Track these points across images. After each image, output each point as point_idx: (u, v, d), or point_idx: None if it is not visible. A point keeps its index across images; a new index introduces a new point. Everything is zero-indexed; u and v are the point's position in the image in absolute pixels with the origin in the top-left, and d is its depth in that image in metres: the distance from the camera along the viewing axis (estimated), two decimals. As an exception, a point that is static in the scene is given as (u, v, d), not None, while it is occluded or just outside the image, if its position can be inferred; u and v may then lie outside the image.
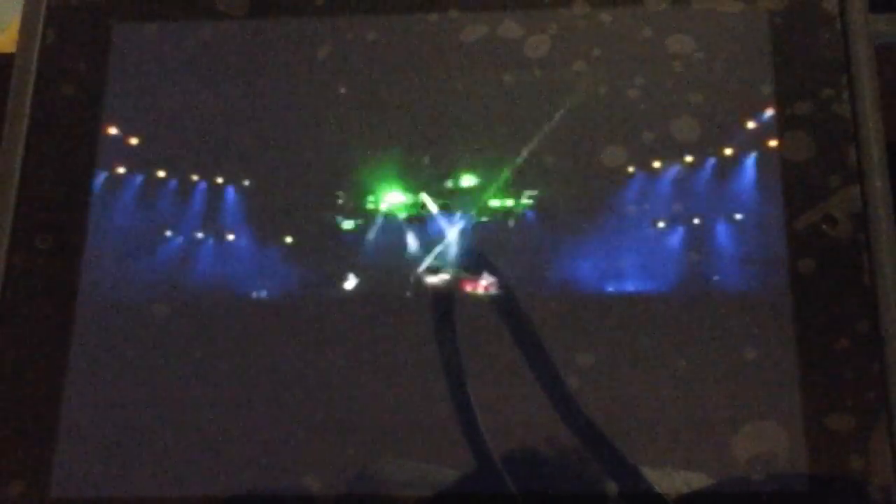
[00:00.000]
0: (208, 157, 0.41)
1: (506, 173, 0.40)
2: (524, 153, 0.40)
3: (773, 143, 0.39)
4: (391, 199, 0.40)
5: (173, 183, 0.41)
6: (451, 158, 0.40)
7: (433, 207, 0.40)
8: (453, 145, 0.40)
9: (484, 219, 0.40)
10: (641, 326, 0.38)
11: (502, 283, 0.39)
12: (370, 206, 0.40)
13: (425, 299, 0.39)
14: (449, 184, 0.40)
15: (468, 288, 0.39)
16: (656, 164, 0.39)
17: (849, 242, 0.38)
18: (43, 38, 0.42)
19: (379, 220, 0.40)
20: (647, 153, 0.39)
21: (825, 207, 0.38)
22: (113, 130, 0.42)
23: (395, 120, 0.41)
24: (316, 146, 0.41)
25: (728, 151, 0.39)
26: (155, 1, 0.43)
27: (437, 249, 0.40)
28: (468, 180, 0.40)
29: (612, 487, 0.36)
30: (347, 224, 0.40)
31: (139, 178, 0.41)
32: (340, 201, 0.40)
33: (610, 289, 0.39)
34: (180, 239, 0.40)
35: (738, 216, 0.39)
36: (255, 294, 0.40)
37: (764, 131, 0.39)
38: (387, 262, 0.40)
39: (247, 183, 0.41)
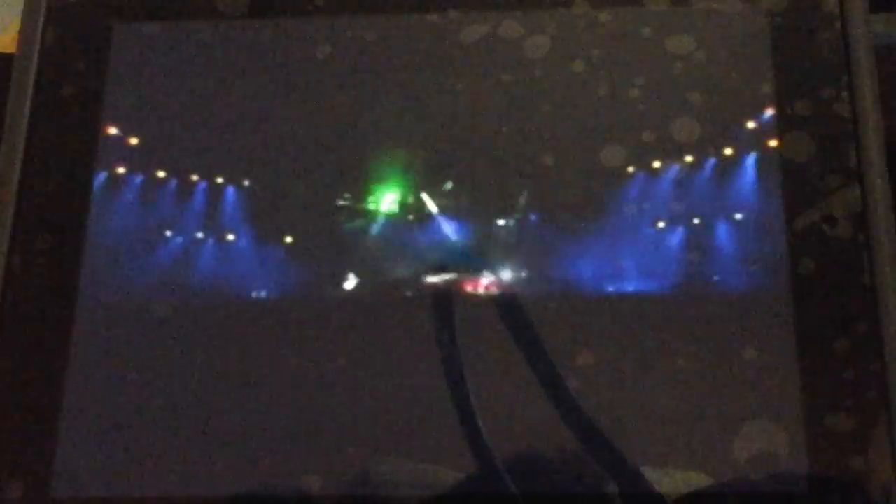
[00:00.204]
0: (208, 157, 0.41)
1: (506, 173, 0.40)
2: (524, 153, 0.40)
3: (773, 143, 0.39)
4: (391, 199, 0.40)
5: (173, 183, 0.41)
6: (452, 158, 0.40)
7: (433, 207, 0.40)
8: (453, 145, 0.40)
9: (484, 219, 0.40)
10: (641, 326, 0.38)
11: (502, 283, 0.39)
12: (370, 206, 0.40)
13: (425, 299, 0.39)
14: (449, 184, 0.40)
15: (468, 288, 0.39)
16: (656, 164, 0.39)
17: (849, 242, 0.38)
18: (43, 38, 0.42)
19: (379, 220, 0.40)
20: (647, 153, 0.39)
21: (825, 207, 0.38)
22: (113, 130, 0.42)
23: (395, 120, 0.41)
24: (316, 146, 0.41)
25: (728, 151, 0.39)
26: (155, 1, 0.43)
27: (438, 250, 0.40)
28: (468, 180, 0.40)
29: (612, 487, 0.36)
30: (347, 224, 0.40)
31: (139, 178, 0.41)
32: (340, 201, 0.40)
33: (610, 289, 0.39)
34: (180, 239, 0.40)
35: (738, 216, 0.39)
36: (255, 294, 0.40)
37: (764, 131, 0.39)
38: (387, 262, 0.40)
39: (247, 183, 0.41)
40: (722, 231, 0.38)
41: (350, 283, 0.39)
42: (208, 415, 0.38)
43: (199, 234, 0.40)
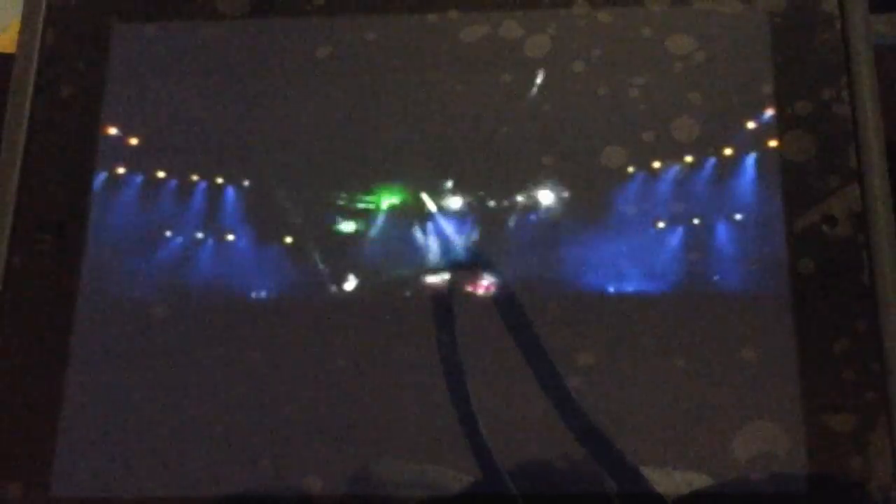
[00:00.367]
0: (208, 157, 0.41)
1: (506, 173, 0.40)
2: (524, 153, 0.40)
3: (773, 143, 0.39)
4: (391, 198, 0.40)
5: (173, 183, 0.41)
6: (452, 158, 0.40)
7: (433, 207, 0.40)
8: (453, 145, 0.40)
9: (484, 218, 0.40)
10: (641, 326, 0.38)
11: (502, 283, 0.39)
12: (370, 206, 0.40)
13: (425, 300, 0.39)
14: (449, 184, 0.40)
15: (468, 288, 0.39)
16: (656, 164, 0.39)
17: (849, 242, 0.38)
18: (43, 38, 0.42)
19: (379, 221, 0.40)
20: (647, 153, 0.39)
21: (825, 207, 0.38)
22: (113, 130, 0.42)
23: (395, 120, 0.41)
24: (316, 146, 0.41)
25: (728, 151, 0.39)
26: (155, 1, 0.43)
27: (438, 250, 0.40)
28: (468, 180, 0.40)
29: (612, 487, 0.36)
30: (347, 224, 0.40)
31: (139, 178, 0.41)
32: (340, 202, 0.40)
33: (610, 289, 0.39)
34: (180, 239, 0.40)
35: (738, 216, 0.39)
36: (255, 294, 0.40)
37: (764, 131, 0.39)
38: (387, 262, 0.40)
39: (247, 183, 0.41)
40: (722, 231, 0.38)
41: (350, 283, 0.39)
42: (208, 415, 0.38)
43: (199, 234, 0.40)
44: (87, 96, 0.42)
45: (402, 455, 0.37)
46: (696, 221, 0.39)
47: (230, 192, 0.41)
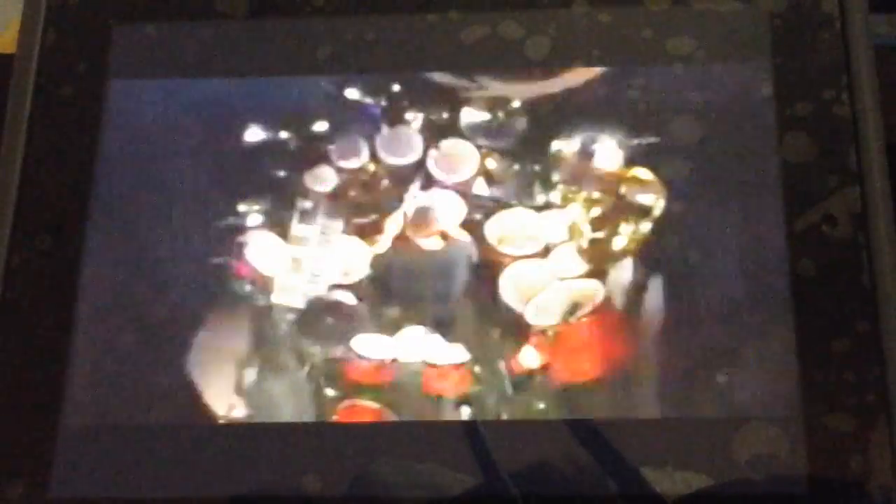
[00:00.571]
0: (208, 157, 0.41)
1: (506, 173, 0.40)
2: (524, 153, 0.40)
3: (773, 143, 0.39)
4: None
5: (173, 183, 0.41)
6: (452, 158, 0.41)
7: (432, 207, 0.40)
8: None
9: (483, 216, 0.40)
10: (642, 327, 0.38)
11: (503, 283, 0.39)
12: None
13: (425, 299, 0.39)
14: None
15: (469, 288, 0.39)
16: (656, 165, 0.39)
17: (849, 243, 0.38)
18: (43, 38, 0.42)
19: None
20: (647, 153, 0.39)
21: (825, 208, 0.38)
22: (113, 131, 0.41)
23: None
24: (315, 146, 0.41)
25: (728, 151, 0.39)
26: (155, 1, 0.43)
27: (437, 249, 0.40)
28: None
29: (612, 487, 0.36)
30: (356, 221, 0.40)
31: (139, 179, 0.41)
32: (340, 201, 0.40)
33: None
34: (180, 239, 0.40)
35: (739, 216, 0.39)
36: (254, 293, 0.40)
37: (764, 131, 0.39)
38: (388, 261, 0.40)
39: (246, 182, 0.41)
40: (722, 231, 0.38)
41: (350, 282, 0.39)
42: (208, 414, 0.38)
43: (198, 234, 0.40)
44: (87, 96, 0.42)
45: (402, 455, 0.37)
46: (696, 221, 0.39)
47: (230, 191, 0.41)
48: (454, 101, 0.41)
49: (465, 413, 0.37)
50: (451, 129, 0.41)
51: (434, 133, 0.41)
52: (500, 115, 0.41)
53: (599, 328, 0.38)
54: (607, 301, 0.38)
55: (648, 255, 0.38)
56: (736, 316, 0.37)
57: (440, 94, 0.41)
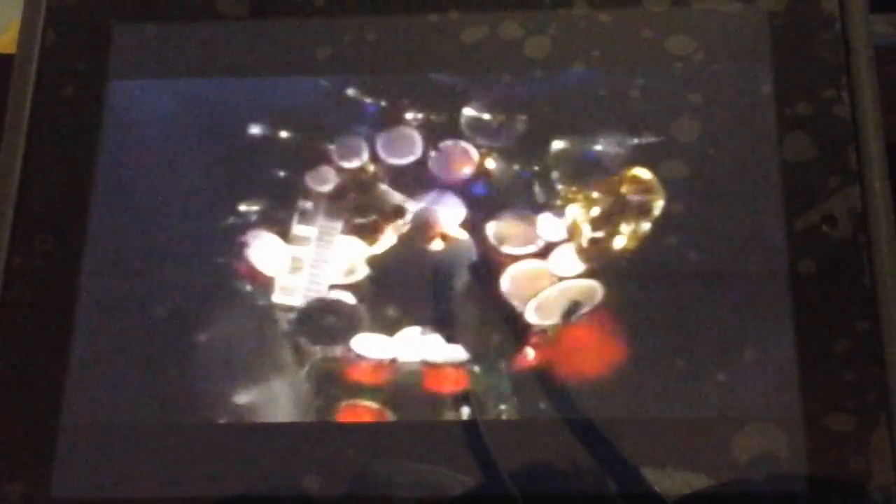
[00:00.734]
0: (209, 157, 0.41)
1: (507, 173, 0.40)
2: (524, 153, 0.40)
3: (773, 143, 0.39)
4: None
5: (173, 183, 0.41)
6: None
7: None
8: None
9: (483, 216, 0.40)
10: (642, 327, 0.38)
11: (503, 283, 0.39)
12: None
13: (425, 298, 0.39)
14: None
15: (469, 289, 0.39)
16: (656, 165, 0.39)
17: (849, 242, 0.38)
18: (43, 38, 0.42)
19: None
20: (647, 153, 0.39)
21: (825, 208, 0.38)
22: (113, 131, 0.41)
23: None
24: (315, 146, 0.41)
25: (728, 151, 0.39)
26: (155, 1, 0.43)
27: (437, 250, 0.40)
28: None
29: (612, 487, 0.36)
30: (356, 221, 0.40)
31: (139, 179, 0.41)
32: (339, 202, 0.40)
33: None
34: (180, 239, 0.40)
35: (739, 216, 0.39)
36: (254, 292, 0.40)
37: (764, 131, 0.39)
38: (387, 261, 0.40)
39: (246, 182, 0.41)
40: (722, 231, 0.38)
41: (350, 282, 0.39)
42: (208, 414, 0.38)
43: (199, 234, 0.40)
44: (87, 96, 0.42)
45: (402, 455, 0.37)
46: (696, 222, 0.39)
47: (229, 191, 0.41)
48: (454, 101, 0.41)
49: (465, 413, 0.37)
50: (451, 129, 0.41)
51: (434, 133, 0.41)
52: (500, 115, 0.41)
53: (599, 328, 0.38)
54: (607, 301, 0.38)
55: (648, 255, 0.38)
56: (736, 316, 0.37)
57: (440, 94, 0.41)
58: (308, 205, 0.40)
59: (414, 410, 0.38)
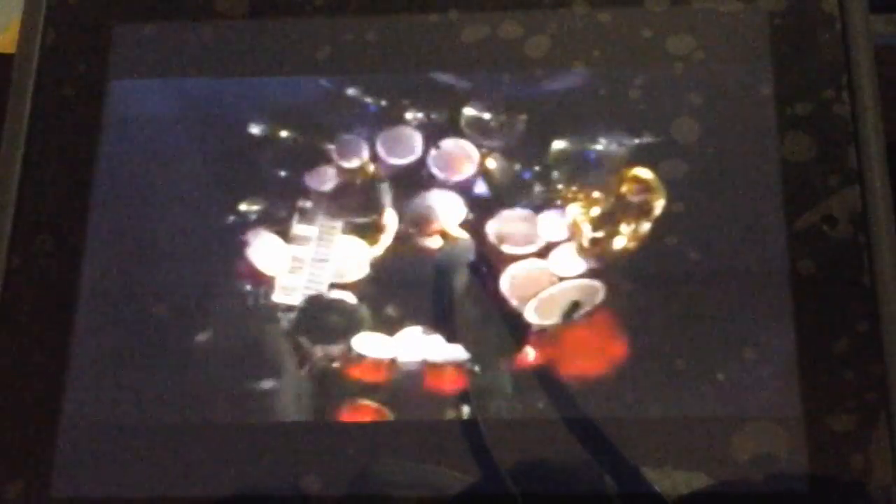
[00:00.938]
0: (209, 156, 0.41)
1: (507, 173, 0.40)
2: (524, 153, 0.40)
3: (773, 143, 0.39)
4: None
5: (173, 183, 0.41)
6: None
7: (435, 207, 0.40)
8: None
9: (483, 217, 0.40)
10: (641, 327, 0.38)
11: (503, 283, 0.39)
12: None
13: (426, 299, 0.39)
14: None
15: (469, 289, 0.39)
16: (656, 165, 0.39)
17: (849, 243, 0.38)
18: (43, 38, 0.42)
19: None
20: (647, 153, 0.39)
21: (825, 208, 0.38)
22: (113, 131, 0.41)
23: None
24: (315, 145, 0.41)
25: (728, 151, 0.39)
26: (155, 1, 0.43)
27: (439, 248, 0.40)
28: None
29: (612, 487, 0.36)
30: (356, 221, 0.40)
31: (139, 179, 0.41)
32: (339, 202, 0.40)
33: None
34: (180, 239, 0.40)
35: (739, 217, 0.39)
36: (253, 291, 0.40)
37: (764, 131, 0.39)
38: (387, 262, 0.40)
39: (246, 182, 0.41)
40: (722, 231, 0.38)
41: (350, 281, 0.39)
42: (208, 414, 0.38)
43: (199, 234, 0.40)
44: (87, 96, 0.42)
45: (402, 454, 0.37)
46: (696, 222, 0.39)
47: (229, 191, 0.41)
48: (454, 101, 0.41)
49: (465, 412, 0.37)
50: (451, 129, 0.41)
51: (434, 133, 0.41)
52: (501, 115, 0.41)
53: (599, 327, 0.38)
54: (607, 300, 0.38)
55: (649, 255, 0.38)
56: (736, 316, 0.37)
57: (440, 94, 0.41)
58: (308, 204, 0.40)
59: (414, 410, 0.38)
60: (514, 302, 0.38)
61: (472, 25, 0.41)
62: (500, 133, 0.41)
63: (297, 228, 0.40)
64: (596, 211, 0.39)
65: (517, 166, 0.40)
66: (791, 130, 0.39)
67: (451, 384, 0.38)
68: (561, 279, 0.39)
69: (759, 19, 0.40)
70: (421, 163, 0.41)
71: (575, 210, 0.39)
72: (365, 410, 0.38)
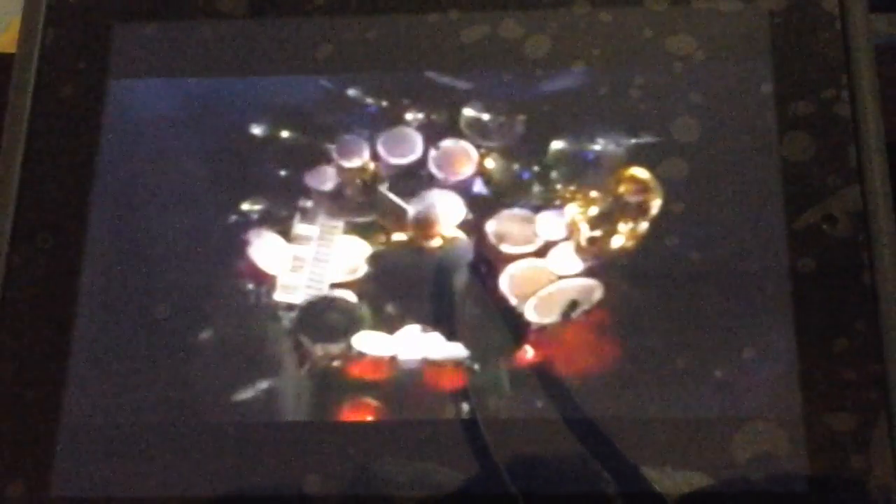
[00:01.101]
0: (209, 156, 0.41)
1: (506, 173, 0.40)
2: (524, 153, 0.40)
3: (773, 143, 0.39)
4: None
5: (173, 183, 0.41)
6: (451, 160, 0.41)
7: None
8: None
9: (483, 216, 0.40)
10: (641, 325, 0.38)
11: (503, 283, 0.39)
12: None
13: (426, 299, 0.39)
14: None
15: (468, 289, 0.39)
16: (656, 165, 0.39)
17: (849, 242, 0.38)
18: (43, 38, 0.42)
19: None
20: (646, 153, 0.39)
21: (825, 207, 0.38)
22: (113, 131, 0.42)
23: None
24: (315, 145, 0.41)
25: (728, 151, 0.39)
26: (155, 1, 0.43)
27: (439, 247, 0.40)
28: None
29: (612, 487, 0.36)
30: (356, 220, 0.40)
31: (139, 179, 0.41)
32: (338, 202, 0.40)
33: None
34: (180, 239, 0.40)
35: (739, 216, 0.38)
36: (253, 291, 0.40)
37: (764, 130, 0.39)
38: (387, 260, 0.40)
39: (247, 181, 0.41)
40: (722, 231, 0.38)
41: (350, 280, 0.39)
42: (208, 414, 0.38)
43: (199, 233, 0.40)
44: (87, 96, 0.42)
45: (402, 453, 0.37)
46: (695, 222, 0.39)
47: (230, 191, 0.41)
48: (454, 101, 0.41)
49: (465, 410, 0.37)
50: (451, 129, 0.41)
51: (434, 133, 0.41)
52: (500, 115, 0.41)
53: (598, 326, 0.38)
54: (606, 299, 0.38)
55: (648, 254, 0.38)
56: (736, 315, 0.37)
57: (440, 94, 0.41)
58: (309, 204, 0.40)
59: (414, 408, 0.38)
60: (513, 300, 0.39)
61: (471, 25, 0.41)
62: (500, 133, 0.41)
63: (298, 228, 0.40)
64: (594, 210, 0.39)
65: (516, 166, 0.40)
66: (791, 130, 0.39)
67: (450, 382, 0.38)
68: (560, 278, 0.39)
69: (760, 19, 0.40)
70: (421, 163, 0.41)
71: (573, 210, 0.39)
72: (365, 409, 0.38)
